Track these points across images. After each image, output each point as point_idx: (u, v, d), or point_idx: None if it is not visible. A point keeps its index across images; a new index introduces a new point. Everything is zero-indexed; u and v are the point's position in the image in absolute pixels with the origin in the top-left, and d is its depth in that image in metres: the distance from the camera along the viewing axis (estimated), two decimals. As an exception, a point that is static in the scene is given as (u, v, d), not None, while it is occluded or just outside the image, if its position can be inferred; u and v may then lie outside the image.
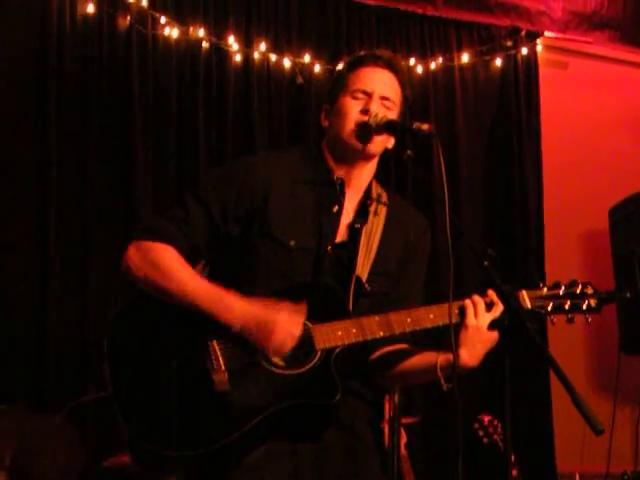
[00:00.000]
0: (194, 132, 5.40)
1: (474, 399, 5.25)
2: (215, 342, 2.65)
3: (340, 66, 3.02)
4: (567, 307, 2.82)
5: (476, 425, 4.73)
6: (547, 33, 6.34)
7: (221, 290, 2.69)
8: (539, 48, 6.30)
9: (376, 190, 2.97)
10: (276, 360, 2.65)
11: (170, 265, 2.74)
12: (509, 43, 6.21)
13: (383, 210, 2.94)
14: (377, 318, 2.70)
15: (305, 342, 2.66)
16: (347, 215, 2.89)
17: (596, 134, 6.47)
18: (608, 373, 5.75)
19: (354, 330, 2.68)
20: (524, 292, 2.79)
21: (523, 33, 6.23)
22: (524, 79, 6.22)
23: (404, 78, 2.95)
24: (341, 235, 2.87)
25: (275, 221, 2.80)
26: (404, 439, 4.54)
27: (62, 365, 4.94)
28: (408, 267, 2.95)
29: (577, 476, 5.82)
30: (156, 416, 2.61)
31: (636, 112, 6.59)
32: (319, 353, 2.66)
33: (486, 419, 4.72)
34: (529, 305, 2.79)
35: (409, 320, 2.71)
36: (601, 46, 6.58)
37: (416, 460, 4.73)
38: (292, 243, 2.79)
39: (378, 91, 2.85)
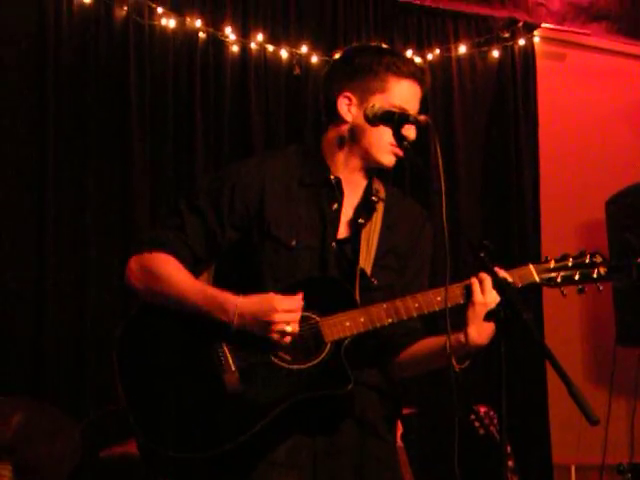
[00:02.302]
0: (191, 123, 5.39)
1: (470, 390, 5.25)
2: (224, 344, 2.67)
3: (376, 56, 2.91)
4: (577, 277, 2.82)
5: (472, 416, 4.73)
6: (544, 24, 6.32)
7: (216, 290, 2.70)
8: (536, 40, 6.28)
9: (375, 184, 2.96)
10: (283, 353, 2.64)
11: (170, 273, 2.75)
12: (506, 34, 6.19)
13: (381, 206, 2.93)
14: (384, 306, 2.70)
15: (314, 336, 2.67)
16: (347, 212, 2.89)
17: (593, 125, 6.47)
18: (604, 365, 5.76)
19: (362, 319, 2.68)
20: (531, 266, 2.80)
21: (520, 24, 6.22)
22: (521, 71, 6.21)
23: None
24: (343, 232, 2.87)
25: (273, 222, 2.80)
26: (400, 430, 4.54)
27: (60, 359, 4.95)
28: (412, 258, 2.96)
29: (573, 467, 5.84)
30: (172, 423, 2.63)
31: (633, 104, 6.59)
32: (328, 345, 2.66)
33: (482, 410, 4.72)
34: (537, 279, 2.79)
35: (416, 305, 2.71)
36: (599, 38, 6.57)
37: (412, 451, 4.74)
38: (293, 243, 2.79)
39: (413, 112, 2.82)
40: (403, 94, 2.84)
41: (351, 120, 2.88)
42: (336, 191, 2.87)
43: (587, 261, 2.85)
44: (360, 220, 2.87)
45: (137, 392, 2.67)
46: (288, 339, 2.63)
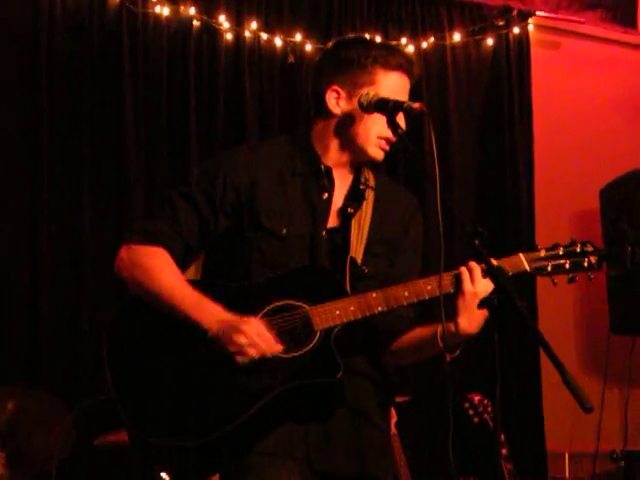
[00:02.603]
0: (185, 110, 5.39)
1: (464, 378, 5.27)
2: None
3: (364, 49, 2.88)
4: (568, 266, 2.81)
5: (466, 404, 4.75)
6: (539, 12, 6.32)
7: (202, 296, 2.69)
8: (531, 28, 6.27)
9: (364, 173, 2.95)
10: (242, 360, 2.62)
11: (158, 269, 2.75)
12: (501, 22, 6.18)
13: (371, 194, 2.93)
14: (374, 294, 2.69)
15: (304, 324, 2.66)
16: (337, 201, 2.88)
17: (587, 114, 6.47)
18: (598, 352, 5.78)
19: (352, 308, 2.67)
20: (521, 255, 2.78)
21: (515, 13, 6.21)
22: (516, 59, 6.20)
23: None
24: (333, 221, 2.86)
25: (264, 211, 2.79)
26: (394, 418, 4.55)
27: (54, 346, 4.95)
28: (404, 246, 2.95)
29: (566, 455, 5.85)
30: (162, 412, 2.63)
31: (628, 92, 6.59)
32: (318, 334, 2.65)
33: (476, 398, 4.74)
34: (527, 268, 2.78)
35: (406, 293, 2.69)
36: (593, 26, 6.56)
37: (406, 439, 4.75)
38: (284, 231, 2.78)
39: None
40: (391, 86, 2.83)
41: (339, 113, 2.86)
42: (326, 180, 2.86)
43: (578, 250, 2.83)
44: (349, 209, 2.87)
45: (126, 381, 2.66)
46: (247, 356, 2.59)
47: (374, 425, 2.86)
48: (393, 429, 4.53)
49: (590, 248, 2.85)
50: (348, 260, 2.79)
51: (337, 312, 2.66)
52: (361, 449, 2.79)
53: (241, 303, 2.69)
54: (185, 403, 2.62)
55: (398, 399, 4.59)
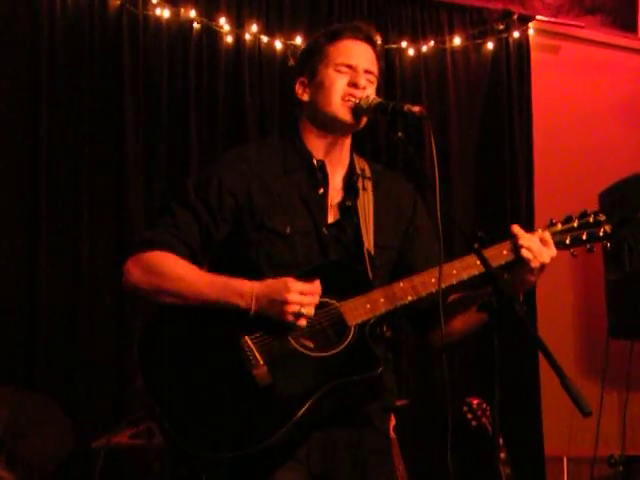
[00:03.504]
0: (185, 113, 5.39)
1: (463, 382, 5.27)
2: (247, 338, 2.63)
3: (314, 38, 2.99)
4: (585, 237, 2.84)
5: (465, 408, 4.74)
6: (539, 17, 6.33)
7: (226, 277, 2.68)
8: (531, 32, 6.29)
9: (359, 164, 2.96)
10: (306, 340, 2.63)
11: (171, 267, 2.73)
12: (501, 27, 6.19)
13: (369, 184, 2.93)
14: (401, 284, 2.71)
15: (337, 321, 2.66)
16: (334, 194, 2.88)
17: (587, 118, 6.48)
18: (596, 356, 5.78)
19: (382, 300, 2.68)
20: (540, 230, 2.80)
21: (515, 17, 6.22)
22: (516, 63, 6.21)
23: (379, 51, 2.97)
24: (332, 215, 2.86)
25: (265, 212, 2.80)
26: (393, 422, 4.55)
27: (52, 351, 4.95)
28: (416, 232, 2.96)
29: (564, 459, 5.85)
30: (205, 422, 2.58)
31: (627, 97, 6.60)
32: (352, 329, 2.65)
33: (475, 402, 4.73)
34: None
35: (433, 280, 2.69)
36: (593, 30, 6.57)
37: (405, 443, 4.74)
38: (287, 230, 2.78)
39: (362, 65, 2.86)
40: (340, 53, 2.88)
41: (307, 99, 2.92)
42: (320, 175, 2.87)
43: (591, 220, 2.87)
44: (347, 203, 2.87)
45: (167, 398, 2.62)
46: (303, 322, 2.60)
47: (376, 429, 2.85)
48: (392, 433, 4.52)
49: (602, 217, 2.88)
50: (366, 253, 2.79)
51: (368, 306, 2.67)
52: (362, 454, 2.78)
53: None
54: (232, 412, 2.59)
55: (397, 403, 4.58)
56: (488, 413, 4.68)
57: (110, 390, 5.01)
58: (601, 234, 2.86)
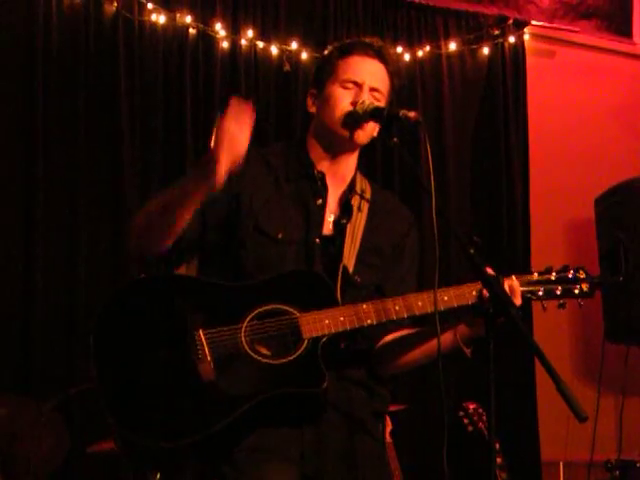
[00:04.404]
0: (181, 118, 5.39)
1: (459, 387, 5.27)
2: (202, 331, 2.64)
3: (328, 51, 3.00)
4: (559, 292, 2.81)
5: (461, 413, 4.74)
6: (534, 22, 6.34)
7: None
8: (526, 37, 6.30)
9: (360, 184, 2.98)
10: (262, 347, 2.64)
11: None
12: (496, 32, 6.20)
13: (366, 206, 2.94)
14: (365, 306, 2.70)
15: (293, 331, 2.66)
16: (331, 208, 2.90)
17: (582, 123, 6.49)
18: (592, 361, 5.78)
19: (342, 318, 2.68)
20: (514, 277, 2.78)
21: (510, 22, 6.23)
22: (511, 68, 6.22)
23: (393, 68, 2.97)
24: (327, 229, 2.88)
25: (261, 216, 2.81)
26: (389, 427, 4.55)
27: (47, 355, 4.94)
28: (399, 261, 2.96)
29: (561, 464, 5.85)
30: (144, 408, 2.59)
31: (622, 101, 6.61)
32: (306, 342, 2.65)
33: (471, 407, 4.73)
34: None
35: (397, 308, 2.70)
36: (588, 35, 6.59)
37: (401, 448, 4.75)
38: (280, 236, 2.80)
39: (368, 82, 2.87)
40: (348, 69, 2.89)
41: (315, 112, 2.94)
42: (320, 185, 2.88)
43: (570, 276, 2.84)
44: (343, 220, 2.89)
45: (111, 373, 2.63)
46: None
47: (368, 433, 2.86)
48: (388, 438, 4.52)
49: (582, 275, 2.84)
50: (340, 268, 2.80)
51: (326, 321, 2.67)
52: (355, 457, 2.79)
53: (232, 303, 2.70)
54: (171, 401, 2.60)
55: (393, 408, 4.58)
56: (484, 418, 4.68)
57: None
58: (576, 292, 2.83)
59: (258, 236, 2.80)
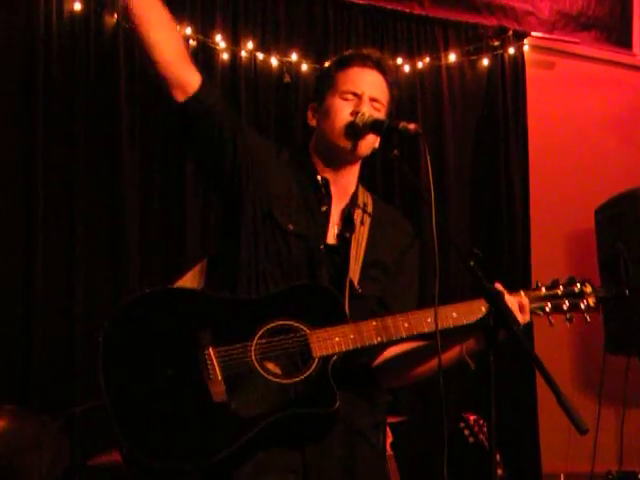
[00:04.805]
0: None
1: (459, 398, 5.26)
2: (212, 349, 2.61)
3: (327, 64, 3.04)
4: (566, 307, 2.81)
5: (461, 424, 4.73)
6: (534, 33, 6.35)
7: None
8: (526, 48, 6.30)
9: (363, 197, 2.98)
10: (272, 365, 2.62)
11: None
12: (496, 43, 6.21)
13: (368, 220, 2.94)
14: (374, 323, 2.69)
15: (302, 349, 2.64)
16: (334, 220, 2.90)
17: (582, 134, 6.49)
18: (593, 373, 5.77)
19: (352, 336, 2.66)
20: (522, 293, 2.78)
21: (510, 33, 6.24)
22: (511, 79, 6.23)
23: (392, 79, 2.98)
24: (331, 239, 2.87)
25: (276, 204, 2.81)
26: (390, 438, 4.54)
27: (48, 370, 4.93)
28: (400, 274, 2.96)
29: (562, 476, 5.83)
30: (153, 427, 2.57)
31: (622, 112, 6.62)
32: (316, 361, 2.63)
33: (471, 418, 4.72)
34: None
35: (406, 325, 2.69)
36: (588, 46, 6.60)
37: (401, 459, 4.73)
38: (290, 227, 2.79)
39: (368, 93, 2.88)
40: (347, 80, 2.90)
41: (315, 124, 2.96)
42: (324, 193, 2.88)
43: (576, 290, 2.84)
44: (346, 234, 2.88)
45: (120, 391, 2.59)
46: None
47: (370, 444, 2.85)
48: (388, 449, 4.51)
49: (589, 289, 2.85)
50: (347, 282, 2.79)
51: (337, 339, 2.65)
52: (356, 468, 2.78)
53: (241, 318, 2.68)
54: (182, 423, 2.57)
55: (394, 419, 4.58)
56: (485, 429, 4.67)
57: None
58: (583, 306, 2.83)
59: (270, 223, 2.80)
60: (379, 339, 2.69)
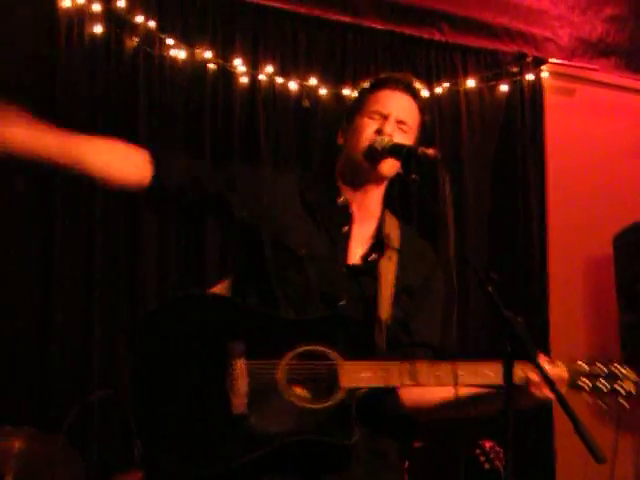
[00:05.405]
0: (200, 154, 5.40)
1: (476, 425, 5.23)
2: (242, 362, 2.61)
3: (361, 87, 3.05)
4: (606, 390, 2.75)
5: (478, 451, 4.71)
6: (553, 60, 6.36)
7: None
8: (545, 74, 6.31)
9: (389, 222, 2.98)
10: (301, 389, 2.62)
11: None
12: (515, 69, 6.22)
13: (396, 245, 2.93)
14: (407, 366, 2.66)
15: (330, 378, 2.63)
16: (357, 240, 2.89)
17: (601, 161, 6.48)
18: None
19: (380, 373, 2.64)
20: (560, 364, 2.72)
21: (529, 59, 6.25)
22: (529, 105, 6.23)
23: (423, 103, 2.99)
24: (354, 259, 2.87)
25: (287, 232, 2.82)
26: (405, 464, 4.52)
27: (66, 390, 4.94)
28: (425, 301, 2.94)
29: (578, 504, 5.79)
30: (169, 428, 2.58)
31: (641, 139, 6.61)
32: (342, 391, 2.62)
33: (488, 445, 4.70)
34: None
35: (437, 373, 2.65)
36: (607, 73, 6.59)
37: (417, 485, 4.72)
38: (303, 251, 2.79)
39: (395, 114, 2.89)
40: (377, 101, 2.93)
41: (343, 143, 2.98)
42: (345, 213, 2.89)
43: (619, 373, 2.79)
44: (373, 256, 2.88)
45: (143, 391, 2.61)
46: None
47: (390, 466, 2.85)
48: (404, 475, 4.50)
49: (633, 377, 2.80)
50: (384, 326, 2.78)
51: (365, 374, 2.64)
52: None
53: (275, 336, 2.67)
54: (201, 431, 2.58)
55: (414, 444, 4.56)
56: (501, 456, 4.65)
57: (121, 429, 4.99)
58: (624, 392, 2.79)
59: (280, 252, 2.80)
60: (407, 382, 2.65)
